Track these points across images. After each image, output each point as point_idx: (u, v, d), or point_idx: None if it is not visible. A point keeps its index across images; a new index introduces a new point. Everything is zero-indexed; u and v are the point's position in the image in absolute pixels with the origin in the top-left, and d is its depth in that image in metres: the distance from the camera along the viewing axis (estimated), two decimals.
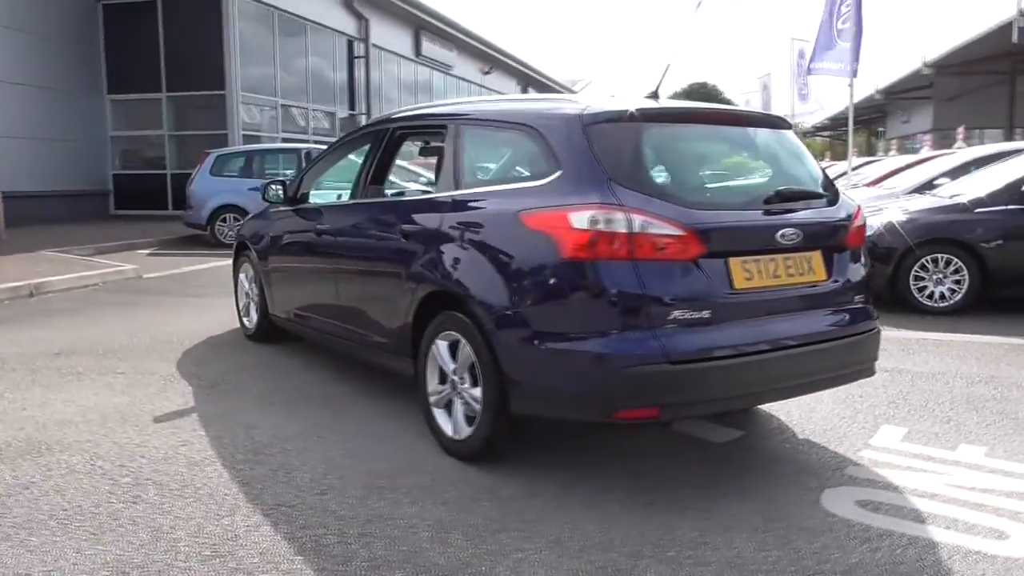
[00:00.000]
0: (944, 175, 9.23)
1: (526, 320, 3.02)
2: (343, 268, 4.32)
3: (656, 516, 2.90)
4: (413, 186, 5.40)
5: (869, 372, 3.41)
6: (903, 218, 7.06)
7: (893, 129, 40.19)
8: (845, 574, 2.50)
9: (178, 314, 6.88)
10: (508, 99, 3.84)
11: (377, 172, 4.30)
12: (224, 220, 12.96)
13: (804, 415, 4.00)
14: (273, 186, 5.11)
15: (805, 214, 3.23)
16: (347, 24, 22.56)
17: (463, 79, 31.74)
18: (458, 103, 4.08)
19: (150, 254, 12.04)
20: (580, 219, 2.87)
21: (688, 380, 2.84)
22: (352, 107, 23.64)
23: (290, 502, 3.01)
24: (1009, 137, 24.37)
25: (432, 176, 4.82)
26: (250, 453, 3.50)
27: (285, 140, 19.08)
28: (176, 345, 5.60)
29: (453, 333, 3.41)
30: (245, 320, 5.84)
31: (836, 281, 3.29)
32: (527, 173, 3.31)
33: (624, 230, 2.82)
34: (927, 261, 6.89)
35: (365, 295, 4.17)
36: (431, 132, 4.17)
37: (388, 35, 24.68)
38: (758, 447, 3.68)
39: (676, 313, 2.85)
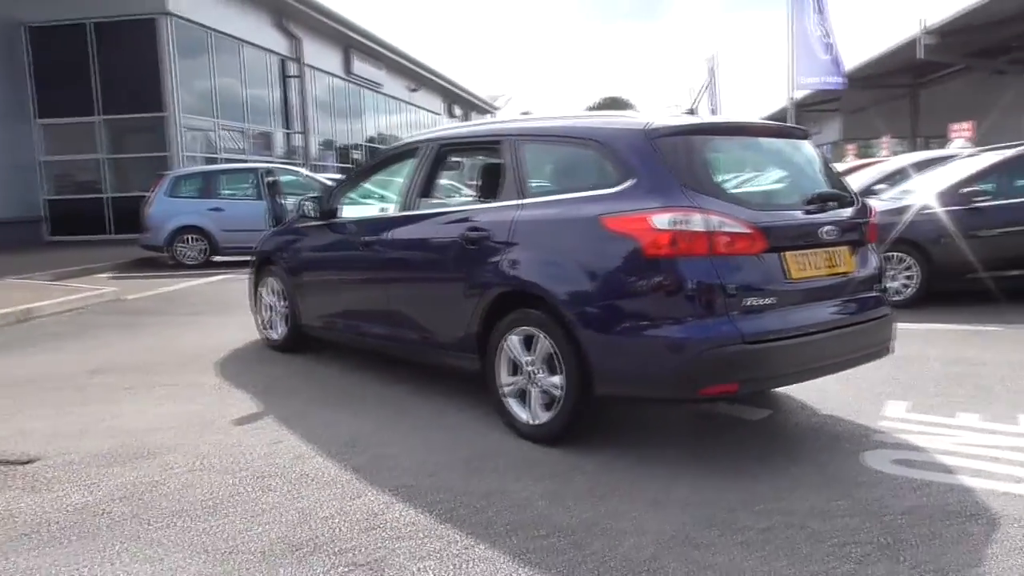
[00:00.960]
0: (882, 180, 10.13)
1: (611, 312, 3.44)
2: (397, 275, 4.64)
3: (733, 480, 3.35)
4: (458, 199, 5.71)
5: (888, 351, 3.96)
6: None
7: None
8: (905, 514, 3.00)
9: (185, 332, 6.99)
10: (562, 117, 4.27)
11: (425, 186, 4.64)
12: (184, 241, 12.89)
13: (819, 396, 4.53)
14: (308, 203, 5.38)
15: (837, 213, 3.77)
16: (280, 44, 22.60)
17: (392, 96, 32.03)
18: (508, 121, 4.48)
19: (112, 277, 11.89)
20: (661, 220, 3.31)
21: (761, 357, 3.31)
22: (287, 125, 23.62)
23: (407, 483, 3.33)
24: (914, 146, 26.21)
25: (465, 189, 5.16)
26: (344, 446, 3.79)
27: (225, 160, 18.95)
28: (204, 359, 5.77)
29: (528, 328, 3.79)
30: (270, 332, 6.04)
31: (861, 272, 3.83)
32: (595, 182, 3.72)
33: (702, 229, 3.27)
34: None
35: (423, 299, 4.50)
36: (484, 148, 4.55)
37: (320, 54, 24.80)
38: (789, 422, 4.19)
39: (747, 300, 3.32)
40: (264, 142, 22.58)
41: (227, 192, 13.47)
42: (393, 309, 4.71)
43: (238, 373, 5.35)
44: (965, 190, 7.57)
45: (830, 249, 3.67)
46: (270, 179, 12.44)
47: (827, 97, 31.97)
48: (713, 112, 29.41)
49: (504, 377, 3.96)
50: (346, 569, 2.63)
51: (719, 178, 3.60)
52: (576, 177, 3.93)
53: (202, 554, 2.75)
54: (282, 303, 5.85)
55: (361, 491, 3.26)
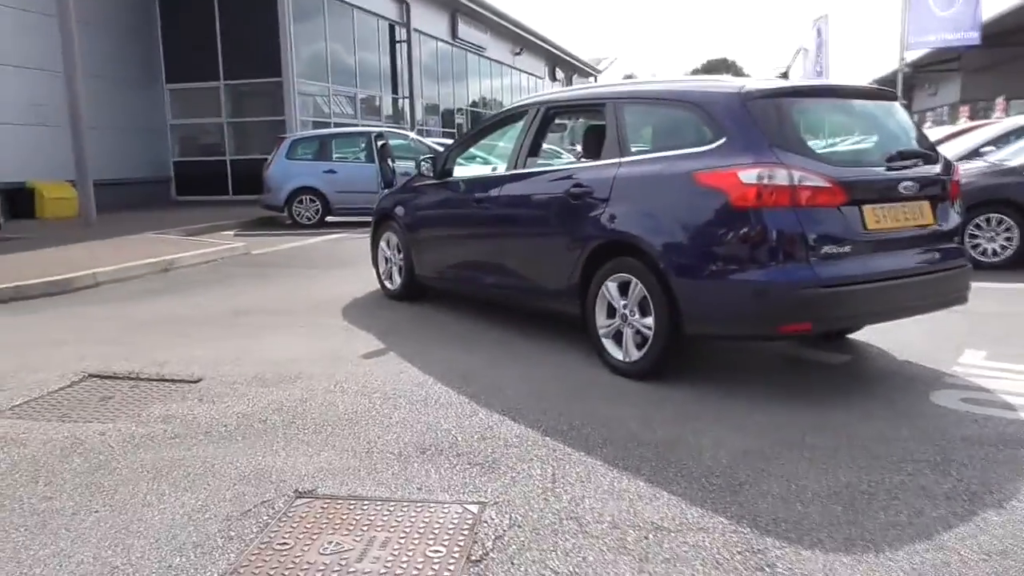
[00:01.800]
0: (989, 143, 9.91)
1: (701, 259, 3.84)
2: (506, 229, 5.14)
3: (807, 410, 3.72)
4: (562, 159, 6.17)
5: (963, 299, 4.20)
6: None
7: (920, 102, 40.41)
8: (964, 440, 3.31)
9: (310, 283, 7.75)
10: (662, 81, 4.64)
11: (533, 147, 5.11)
12: (301, 202, 13.83)
13: (898, 344, 4.80)
14: (424, 162, 5.94)
15: (918, 170, 4.02)
16: (389, 9, 23.34)
17: (495, 60, 32.44)
18: (611, 86, 4.89)
19: (236, 234, 12.93)
20: (749, 176, 3.67)
21: (835, 300, 3.66)
22: (395, 91, 24.45)
23: (515, 406, 3.85)
24: None
25: (563, 152, 5.58)
26: (459, 378, 4.35)
27: (336, 124, 19.93)
28: (330, 305, 6.47)
29: (624, 275, 4.23)
30: (387, 283, 6.69)
31: (940, 225, 4.08)
32: (690, 141, 4.09)
33: (786, 183, 3.62)
34: (981, 221, 7.63)
35: (529, 250, 5.00)
36: (588, 110, 4.97)
37: (427, 18, 25.44)
38: (867, 366, 4.49)
39: (825, 248, 3.66)
40: (372, 106, 23.51)
41: (340, 155, 14.30)
42: (502, 260, 5.23)
43: (361, 317, 6.01)
44: None
45: (908, 203, 3.93)
46: (381, 143, 13.18)
47: (945, 57, 30.42)
48: (820, 74, 28.58)
49: (602, 320, 4.42)
50: (466, 467, 3.18)
51: (806, 137, 3.90)
52: (672, 137, 4.30)
53: (347, 452, 3.36)
54: (399, 256, 6.46)
55: (476, 411, 3.81)
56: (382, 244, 6.73)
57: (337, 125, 19.81)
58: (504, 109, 5.77)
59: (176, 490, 3.01)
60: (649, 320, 4.10)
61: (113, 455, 3.36)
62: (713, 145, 3.90)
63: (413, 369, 4.53)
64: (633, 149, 4.39)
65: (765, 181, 3.64)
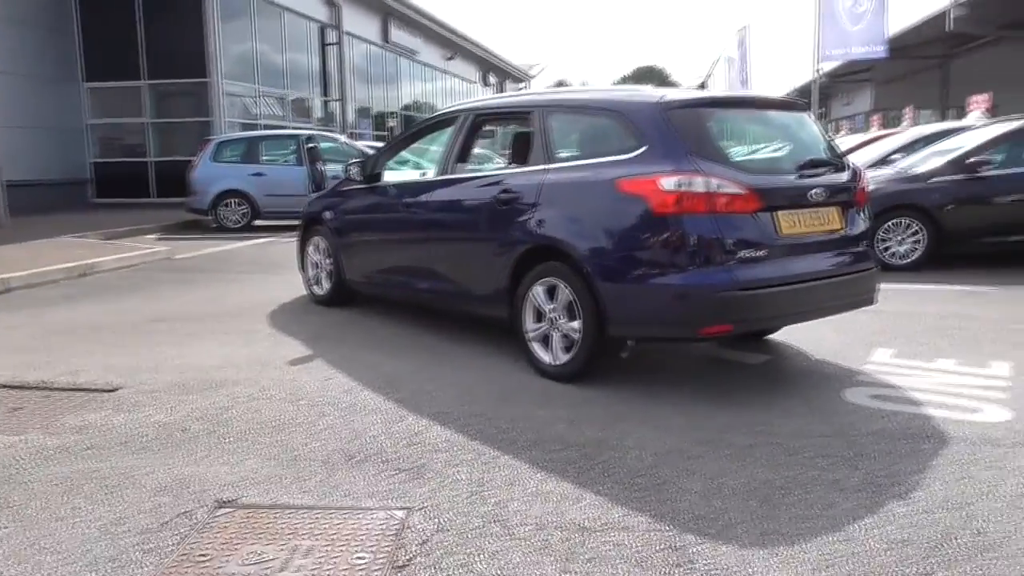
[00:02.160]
0: (898, 151, 10.40)
1: (624, 263, 3.93)
2: (435, 234, 5.15)
3: (727, 410, 3.84)
4: (491, 165, 6.21)
5: (872, 300, 4.40)
6: (869, 188, 8.13)
7: (836, 111, 42.05)
8: (873, 434, 3.48)
9: (236, 288, 7.59)
10: (587, 90, 4.72)
11: (462, 153, 5.13)
12: (227, 205, 13.53)
13: (813, 343, 4.99)
14: (353, 167, 5.89)
15: (827, 177, 4.20)
16: (320, 11, 23.02)
17: (428, 64, 32.35)
18: (538, 94, 4.94)
19: (159, 238, 12.57)
20: (668, 183, 3.77)
21: (752, 302, 3.79)
22: (326, 93, 24.13)
23: (443, 411, 3.86)
24: (943, 116, 26.03)
25: (496, 157, 5.63)
26: (387, 383, 4.33)
27: (265, 127, 19.55)
28: (257, 311, 6.35)
29: (551, 279, 4.29)
30: (315, 288, 6.61)
31: (849, 230, 4.26)
32: (614, 149, 4.18)
33: (703, 190, 3.73)
34: (890, 225, 7.99)
35: (459, 255, 5.01)
36: (515, 118, 5.03)
37: (358, 21, 25.18)
38: (785, 366, 4.66)
39: (741, 253, 3.79)
40: (302, 109, 23.14)
41: (269, 158, 14.05)
42: (432, 265, 5.22)
43: (288, 323, 5.92)
44: (971, 160, 7.89)
45: (818, 209, 4.10)
46: (310, 145, 12.99)
47: (859, 68, 31.72)
48: (744, 83, 29.44)
49: (530, 323, 4.47)
50: (393, 473, 3.17)
51: (723, 146, 4.03)
52: (597, 144, 4.38)
53: (272, 460, 3.31)
54: (328, 260, 6.39)
55: (403, 416, 3.80)
56: (310, 249, 6.65)
57: (266, 127, 19.45)
58: (434, 115, 5.78)
59: (90, 503, 2.91)
60: (576, 324, 4.17)
61: (22, 468, 3.24)
62: (635, 153, 3.99)
63: (341, 375, 4.50)
64: (559, 156, 4.46)
65: (684, 188, 3.75)
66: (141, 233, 13.04)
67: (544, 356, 4.39)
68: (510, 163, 4.88)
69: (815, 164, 4.21)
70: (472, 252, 4.89)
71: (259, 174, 13.55)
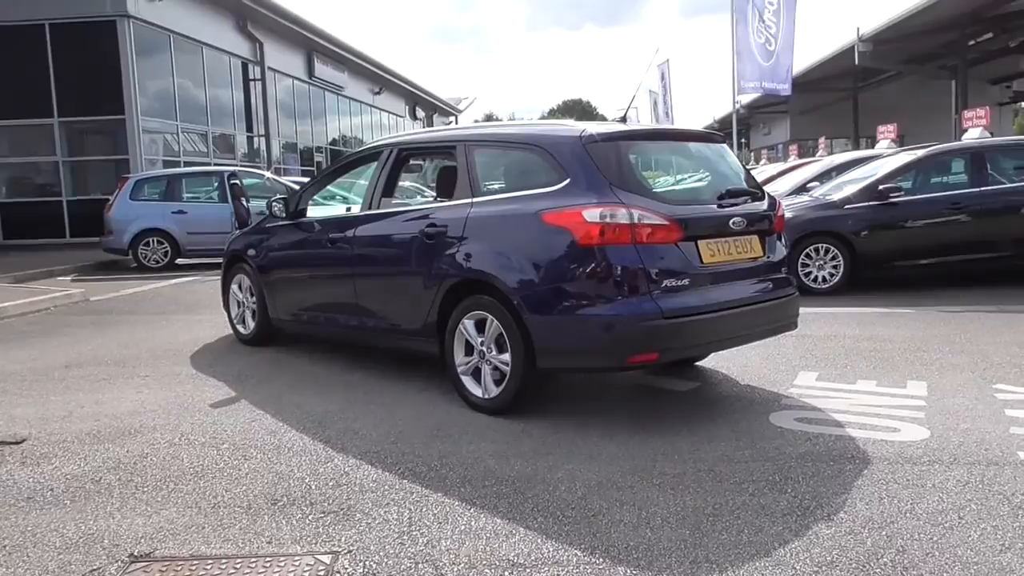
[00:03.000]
0: (814, 179, 10.82)
1: (551, 295, 3.93)
2: (360, 269, 5.07)
3: (657, 437, 3.86)
4: (419, 199, 6.17)
5: (794, 325, 4.52)
6: (789, 215, 8.41)
7: (756, 140, 43.60)
8: (799, 457, 3.54)
9: (155, 330, 7.32)
10: (510, 125, 4.73)
11: (387, 187, 5.09)
12: (147, 244, 13.11)
13: (740, 368, 5.08)
14: (276, 203, 5.78)
15: (746, 206, 4.31)
16: (242, 47, 22.74)
17: (354, 99, 32.24)
18: (462, 129, 4.93)
19: (74, 279, 12.08)
20: (592, 215, 3.81)
21: (677, 330, 3.83)
22: (249, 128, 23.77)
23: (372, 450, 3.77)
24: (856, 145, 27.29)
25: (426, 190, 5.61)
26: (314, 423, 4.21)
27: (187, 163, 19.09)
28: (177, 353, 6.13)
29: (480, 312, 4.26)
30: (239, 327, 6.42)
31: (769, 257, 4.38)
32: (538, 182, 4.21)
33: (626, 221, 3.78)
34: (811, 251, 8.27)
35: (386, 290, 4.94)
36: (440, 152, 5.03)
37: (282, 57, 24.97)
38: (712, 392, 4.72)
39: (665, 282, 3.84)
40: (226, 145, 22.72)
41: (190, 195, 13.72)
42: (359, 301, 5.14)
43: (211, 364, 5.73)
44: (883, 187, 8.24)
45: (739, 238, 4.20)
46: (234, 182, 12.74)
47: (776, 100, 33.05)
48: (667, 115, 30.28)
49: (460, 357, 4.42)
50: (319, 516, 3.07)
51: (643, 177, 4.11)
52: (521, 178, 4.41)
53: (192, 508, 3.16)
54: (252, 299, 6.23)
55: (331, 457, 3.70)
56: (234, 287, 6.47)
57: (188, 164, 18.98)
58: (358, 150, 5.73)
59: None
60: (506, 356, 4.14)
61: None
62: (559, 186, 4.03)
63: (266, 416, 4.36)
64: (485, 189, 4.47)
65: (607, 220, 3.79)
66: (54, 275, 12.52)
67: (475, 390, 4.35)
68: (437, 197, 4.86)
69: (734, 194, 4.32)
70: (400, 287, 4.83)
71: (181, 212, 13.20)
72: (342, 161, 5.80)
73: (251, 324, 6.29)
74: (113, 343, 6.63)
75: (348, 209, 5.68)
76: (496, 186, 4.53)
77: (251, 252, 6.16)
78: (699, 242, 4.01)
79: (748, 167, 4.78)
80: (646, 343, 3.79)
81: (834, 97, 30.52)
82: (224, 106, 22.33)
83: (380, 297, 5.01)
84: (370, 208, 5.11)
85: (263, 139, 24.05)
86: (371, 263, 5.05)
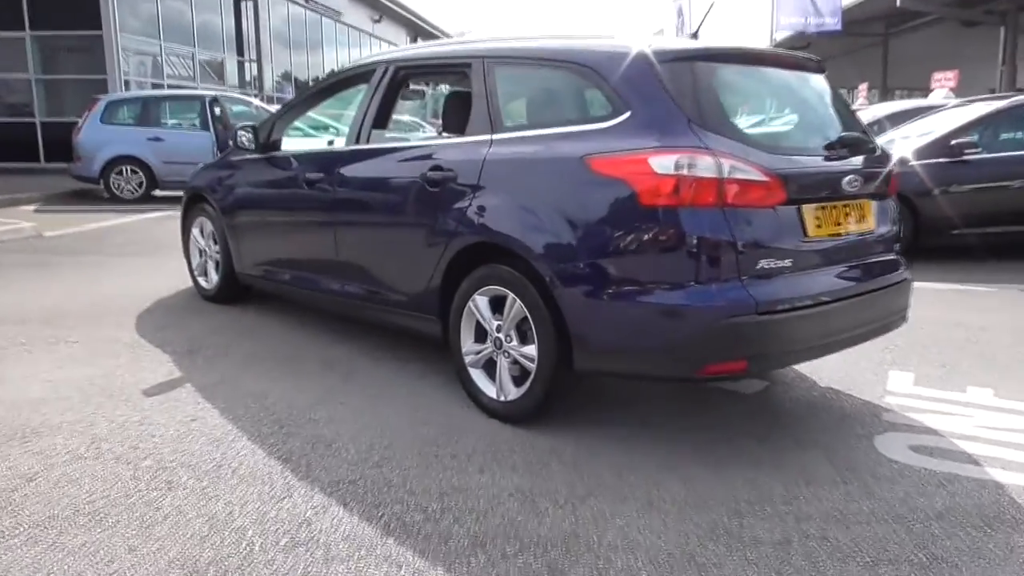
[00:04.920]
0: None
1: (598, 272, 2.86)
2: (344, 220, 3.98)
3: (734, 471, 2.85)
4: (420, 134, 5.02)
5: (904, 320, 3.46)
6: None
7: None
8: (939, 518, 2.53)
9: (107, 276, 6.24)
10: (545, 38, 3.54)
11: (380, 116, 3.97)
12: (120, 172, 11.92)
13: (813, 365, 4.04)
14: (243, 132, 4.64)
15: (860, 161, 3.21)
16: None
17: (353, 27, 30.53)
18: (480, 42, 3.73)
19: (37, 210, 10.93)
20: (663, 163, 2.72)
21: (776, 330, 2.77)
22: (240, 53, 22.26)
23: (348, 477, 2.76)
24: (884, 96, 25.85)
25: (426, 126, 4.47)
26: (275, 426, 3.19)
27: (170, 87, 17.72)
28: (124, 310, 5.08)
29: (497, 288, 3.20)
30: (201, 280, 5.36)
31: (881, 230, 3.30)
32: (582, 115, 3.12)
33: (713, 175, 2.69)
34: None
35: (376, 248, 3.86)
36: (450, 72, 3.89)
37: None
38: (787, 397, 3.69)
39: (762, 263, 2.76)
40: (216, 70, 21.26)
41: (169, 121, 12.48)
42: (340, 259, 4.06)
43: (161, 327, 4.68)
44: (955, 141, 7.10)
45: (851, 203, 3.11)
46: (218, 108, 11.51)
47: (797, 44, 31.36)
48: None
49: (469, 344, 3.39)
50: None
51: (734, 115, 3.00)
52: (559, 109, 3.33)
53: None
54: (215, 247, 5.15)
55: (289, 489, 2.68)
56: (195, 232, 5.39)
57: (171, 88, 17.62)
58: (344, 68, 4.54)
59: None
60: (530, 349, 3.10)
61: None
62: (613, 121, 2.92)
63: (212, 412, 3.33)
64: (508, 124, 3.36)
65: (685, 171, 2.70)
66: (17, 204, 11.38)
67: (487, 388, 3.32)
68: (443, 132, 3.76)
69: (845, 143, 3.21)
70: (392, 245, 3.76)
71: (157, 139, 11.97)
72: (325, 82, 4.61)
73: (214, 278, 5.23)
74: (52, 292, 5.56)
75: (331, 143, 4.56)
76: (524, 120, 3.42)
77: (214, 190, 5.05)
78: (803, 207, 2.92)
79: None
80: (731, 347, 2.73)
81: (862, 43, 28.83)
82: (213, 28, 20.82)
83: (366, 256, 3.93)
84: (357, 142, 3.99)
85: (255, 64, 22.53)
86: (356, 212, 3.95)
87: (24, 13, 16.33)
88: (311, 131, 4.91)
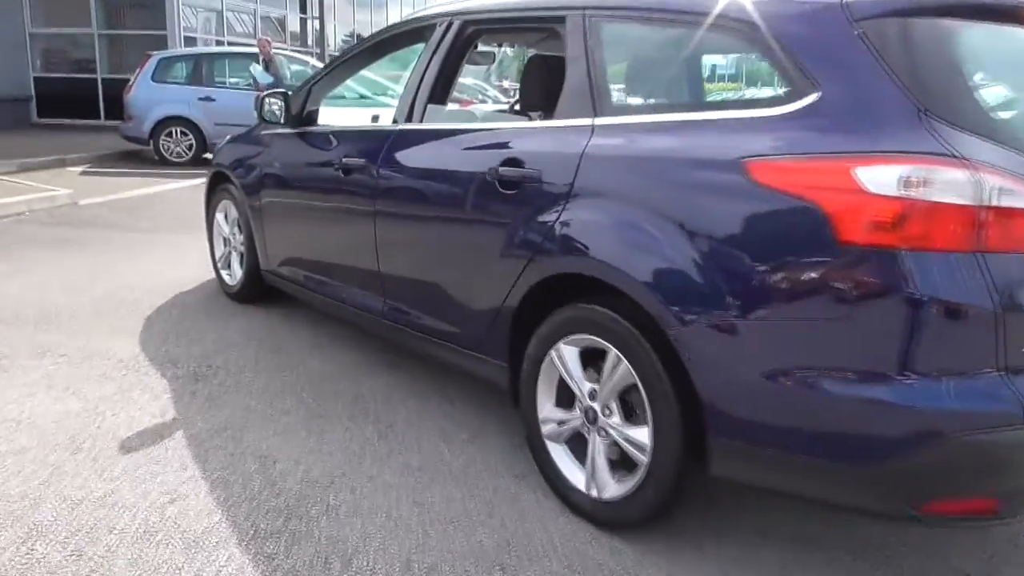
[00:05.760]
0: None
1: (759, 335, 1.86)
2: (388, 221, 3.05)
3: None
4: (490, 108, 4.07)
5: None
6: None
7: None
8: None
9: (130, 258, 5.48)
10: None
11: (438, 87, 3.00)
12: (170, 134, 11.26)
13: None
14: (271, 100, 3.74)
15: None
16: None
17: None
18: None
19: (84, 172, 10.34)
20: (881, 177, 1.70)
21: None
22: (303, 11, 21.47)
23: None
24: None
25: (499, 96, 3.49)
26: (278, 518, 2.31)
27: (230, 44, 17.05)
28: (134, 306, 4.29)
29: (593, 338, 2.24)
30: (224, 274, 4.53)
31: None
32: (736, 96, 2.11)
33: (966, 200, 1.65)
34: None
35: (426, 262, 2.92)
36: (534, 28, 2.89)
37: None
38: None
39: None
40: (278, 27, 20.53)
41: (222, 80, 11.74)
42: (382, 270, 3.14)
43: (169, 336, 3.85)
44: None
45: None
46: (259, 66, 10.71)
47: None
48: None
49: (548, 408, 2.45)
50: None
51: (990, 102, 1.93)
52: (700, 86, 2.34)
53: None
54: (240, 236, 4.30)
55: None
56: (218, 217, 4.56)
57: (232, 45, 16.95)
58: (397, 23, 3.55)
59: None
60: (641, 433, 2.14)
61: None
62: (791, 107, 1.89)
63: (200, 486, 2.46)
64: (619, 105, 2.36)
65: (918, 191, 1.67)
66: (67, 164, 10.83)
67: (573, 474, 2.37)
68: (522, 110, 2.79)
69: None
70: (447, 261, 2.81)
71: (208, 99, 11.24)
72: (372, 39, 3.63)
73: (238, 273, 4.39)
74: (58, 281, 4.80)
75: (375, 119, 3.63)
76: (644, 100, 2.42)
77: (239, 169, 4.18)
78: None
79: None
80: (977, 476, 1.72)
81: None
82: None
83: (414, 271, 2.99)
84: (409, 120, 3.03)
85: (317, 22, 21.70)
86: (403, 212, 3.00)
87: None
88: (363, 95, 3.96)
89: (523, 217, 2.42)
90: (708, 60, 2.32)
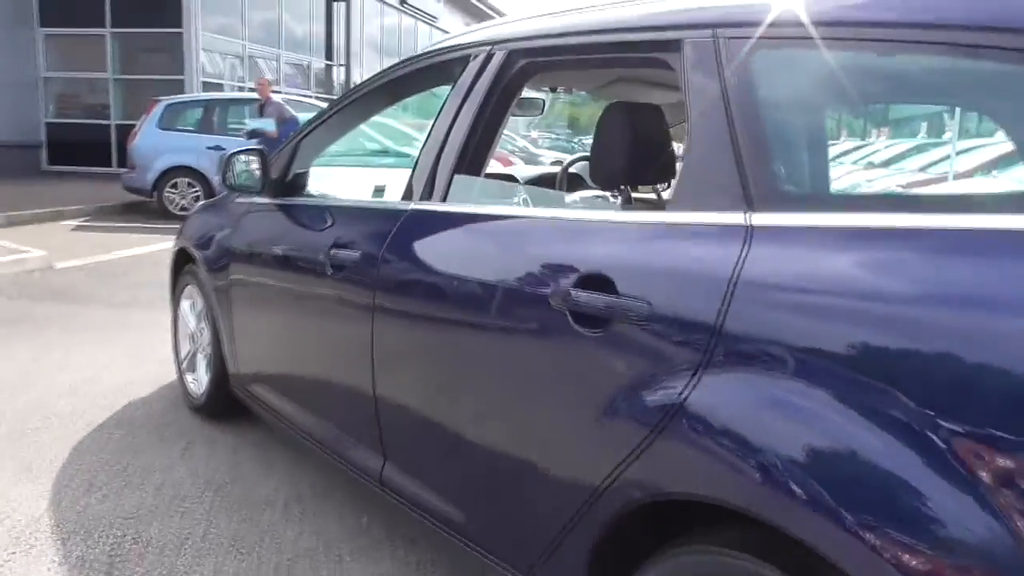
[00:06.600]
0: None
1: None
2: (391, 346, 2.01)
3: None
4: (539, 171, 3.07)
5: None
6: None
7: None
8: None
9: (88, 344, 4.50)
10: None
11: (472, 149, 1.98)
12: (175, 186, 10.45)
13: None
14: (241, 159, 2.75)
15: None
16: None
17: (448, 32, 29.08)
18: None
19: (77, 227, 9.52)
20: None
21: None
22: (329, 57, 20.97)
23: None
24: None
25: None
26: None
27: (251, 91, 16.46)
28: (66, 423, 3.28)
29: None
30: (189, 380, 3.51)
31: None
32: None
33: None
34: None
35: (446, 420, 1.87)
36: (621, 61, 1.85)
37: None
38: None
39: None
40: (301, 74, 20.00)
41: (232, 127, 10.97)
42: (380, 417, 2.10)
43: (95, 480, 2.82)
44: None
45: None
46: (254, 118, 9.88)
47: None
48: None
49: None
50: None
51: None
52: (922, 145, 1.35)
53: None
54: (207, 333, 3.30)
55: None
56: (184, 307, 3.57)
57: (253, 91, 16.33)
58: (413, 56, 2.55)
59: None
60: None
61: None
62: None
63: None
64: (796, 187, 1.34)
65: None
66: (62, 217, 10.03)
67: None
68: (614, 190, 1.78)
69: None
70: (478, 430, 1.76)
71: (218, 147, 10.42)
72: (377, 80, 2.60)
73: (204, 378, 3.36)
74: None
75: (380, 191, 2.63)
76: (857, 182, 1.56)
77: (203, 246, 3.20)
78: None
79: None
80: None
81: None
82: (300, 30, 19.55)
83: (428, 430, 1.94)
84: (430, 196, 2.01)
85: (343, 69, 21.17)
86: (413, 337, 1.96)
87: (106, 8, 15.31)
88: (347, 161, 2.98)
89: (613, 381, 1.38)
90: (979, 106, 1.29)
